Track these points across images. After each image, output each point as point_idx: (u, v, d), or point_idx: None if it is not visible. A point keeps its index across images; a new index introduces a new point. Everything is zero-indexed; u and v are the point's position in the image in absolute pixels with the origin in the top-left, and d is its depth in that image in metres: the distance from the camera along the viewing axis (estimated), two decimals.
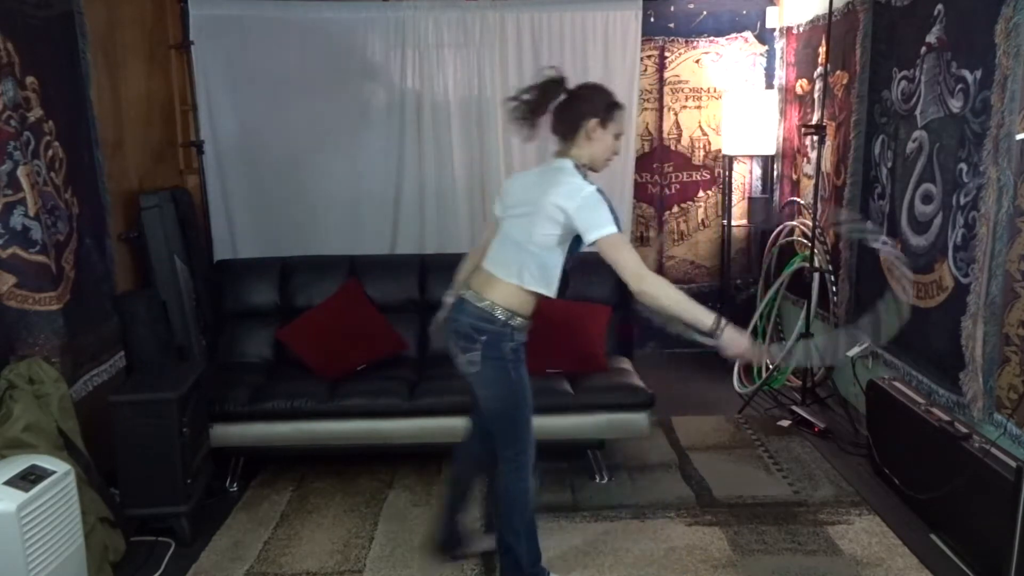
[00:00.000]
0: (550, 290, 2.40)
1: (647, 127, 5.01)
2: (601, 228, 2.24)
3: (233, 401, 3.33)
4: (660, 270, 5.18)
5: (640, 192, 5.02)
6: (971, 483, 2.69)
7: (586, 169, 2.42)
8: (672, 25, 4.91)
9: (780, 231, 4.80)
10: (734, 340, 2.24)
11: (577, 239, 2.35)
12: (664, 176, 5.09)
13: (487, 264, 2.47)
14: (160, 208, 3.74)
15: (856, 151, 3.87)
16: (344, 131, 4.58)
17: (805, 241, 4.35)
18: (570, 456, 3.65)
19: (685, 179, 5.11)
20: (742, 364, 2.32)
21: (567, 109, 2.41)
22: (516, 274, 2.38)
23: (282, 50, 4.45)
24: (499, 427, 2.54)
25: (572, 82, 4.55)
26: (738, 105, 4.77)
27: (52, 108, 3.01)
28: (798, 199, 4.65)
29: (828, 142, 4.22)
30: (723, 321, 2.23)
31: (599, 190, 2.31)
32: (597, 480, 3.46)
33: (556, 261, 2.38)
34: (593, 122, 2.38)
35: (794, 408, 4.12)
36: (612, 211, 2.29)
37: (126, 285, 3.62)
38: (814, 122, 4.21)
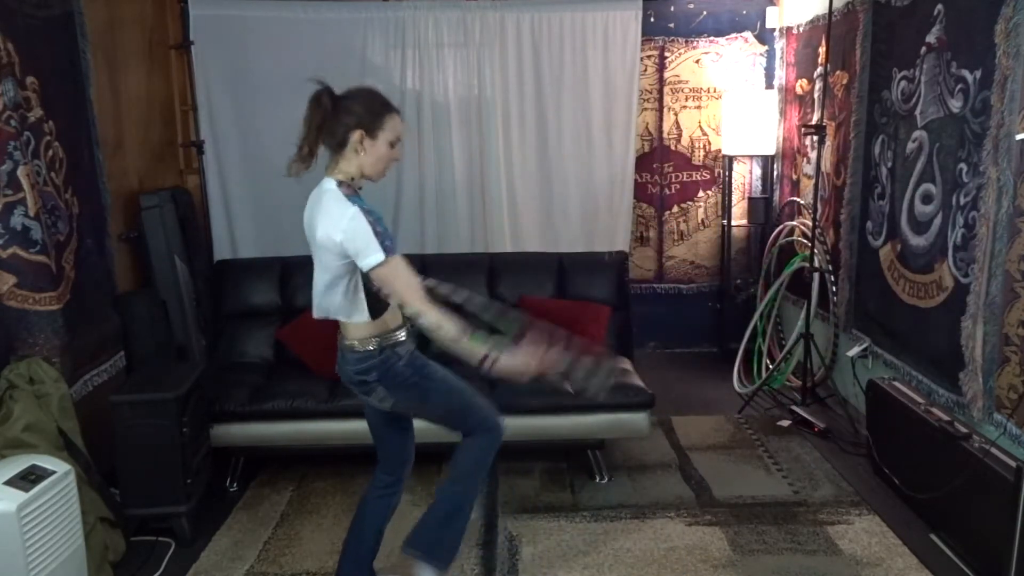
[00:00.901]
0: (363, 315, 2.23)
1: (647, 127, 5.01)
2: (369, 256, 2.08)
3: (233, 401, 3.33)
4: (660, 270, 5.19)
5: (640, 192, 5.02)
6: (971, 483, 2.69)
7: (361, 180, 2.25)
8: (672, 25, 4.91)
9: (780, 231, 4.81)
10: (509, 364, 2.13)
11: None
12: (664, 176, 5.09)
13: (324, 311, 2.32)
14: (160, 208, 3.74)
15: (856, 151, 3.87)
16: None
17: (805, 241, 4.36)
18: (570, 456, 3.65)
19: (685, 179, 5.11)
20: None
21: (332, 121, 2.20)
22: (347, 313, 2.25)
23: (282, 50, 4.45)
24: (456, 422, 2.44)
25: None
26: (738, 105, 4.77)
27: (52, 108, 3.01)
28: (798, 199, 4.65)
29: (828, 142, 4.22)
30: (489, 360, 2.11)
31: (364, 209, 2.12)
32: (597, 480, 3.46)
33: (354, 285, 2.21)
34: (358, 134, 2.18)
35: (794, 408, 4.12)
36: (382, 230, 2.11)
37: (126, 285, 3.63)
38: (814, 122, 4.21)
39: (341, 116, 2.20)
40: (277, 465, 3.61)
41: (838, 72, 4.11)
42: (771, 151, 4.90)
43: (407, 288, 2.12)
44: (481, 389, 2.61)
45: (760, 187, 5.10)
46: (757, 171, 5.10)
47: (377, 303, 2.24)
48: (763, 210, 5.03)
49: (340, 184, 2.20)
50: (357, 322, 2.26)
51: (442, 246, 4.65)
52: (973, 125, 2.87)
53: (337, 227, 2.12)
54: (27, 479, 2.36)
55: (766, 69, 4.96)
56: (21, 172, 2.75)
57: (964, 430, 2.81)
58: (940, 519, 2.95)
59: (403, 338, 2.31)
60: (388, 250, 2.10)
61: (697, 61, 4.95)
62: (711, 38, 4.93)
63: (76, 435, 2.78)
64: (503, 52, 4.57)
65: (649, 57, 4.92)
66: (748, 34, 4.93)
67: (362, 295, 2.23)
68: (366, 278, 2.18)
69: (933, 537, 2.95)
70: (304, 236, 4.68)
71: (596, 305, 3.84)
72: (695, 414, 4.21)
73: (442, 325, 2.10)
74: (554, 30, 4.58)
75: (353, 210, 2.12)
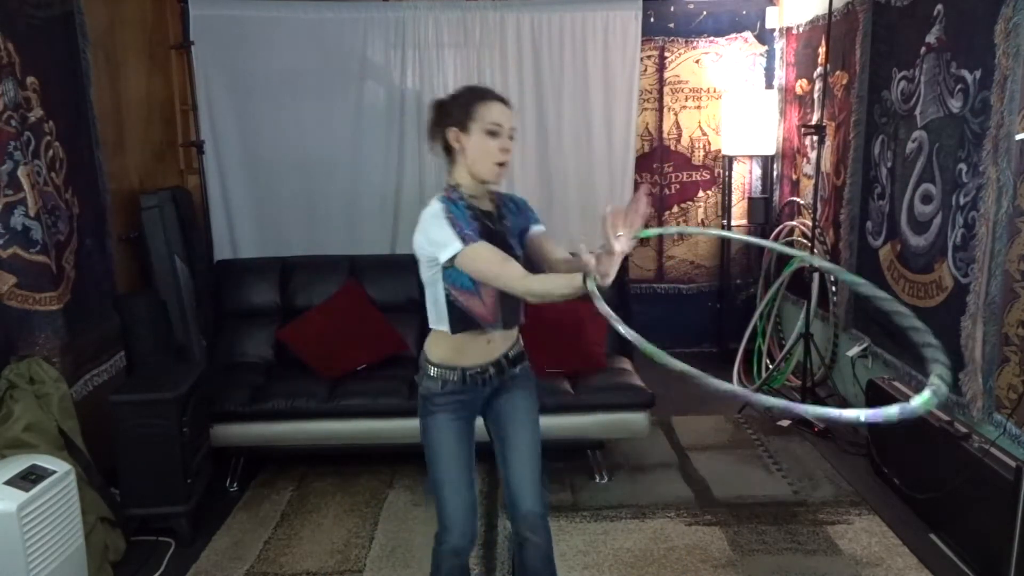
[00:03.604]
0: (443, 324, 2.09)
1: (647, 127, 5.01)
2: (448, 245, 1.93)
3: (233, 401, 3.34)
4: (660, 270, 5.19)
5: None
6: (971, 483, 2.69)
7: (479, 187, 2.07)
8: (672, 25, 4.91)
9: (780, 231, 4.81)
10: (603, 271, 1.68)
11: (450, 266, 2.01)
12: (664, 176, 5.09)
13: None
14: (160, 208, 3.74)
15: (856, 151, 3.87)
16: (344, 131, 4.58)
17: (805, 241, 4.36)
18: (570, 456, 3.65)
19: (685, 179, 5.11)
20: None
21: (432, 127, 2.07)
22: (430, 318, 2.15)
23: (282, 50, 4.45)
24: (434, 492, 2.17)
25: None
26: (738, 105, 4.77)
27: (52, 108, 3.01)
28: (798, 199, 4.65)
29: (828, 142, 4.22)
30: (587, 279, 1.72)
31: (446, 205, 2.00)
32: (597, 480, 3.46)
33: (439, 294, 2.06)
34: (452, 132, 2.02)
35: None
36: (460, 223, 1.97)
37: (126, 285, 3.62)
38: (814, 122, 4.21)
39: (438, 118, 2.06)
40: (277, 465, 3.61)
41: (838, 72, 4.11)
42: (771, 151, 4.90)
43: (497, 267, 1.91)
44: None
45: (760, 187, 5.10)
46: (757, 171, 5.10)
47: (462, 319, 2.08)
48: (763, 210, 5.02)
49: (442, 195, 2.04)
50: (431, 330, 2.15)
51: None
52: (973, 125, 2.87)
53: (419, 222, 2.01)
54: (27, 479, 2.36)
55: (766, 69, 4.96)
56: (21, 172, 2.75)
57: (964, 430, 2.81)
58: (940, 519, 2.95)
59: (432, 373, 2.13)
60: (467, 239, 1.93)
61: (697, 61, 4.95)
62: (711, 38, 4.93)
63: (76, 435, 2.78)
64: (503, 52, 4.57)
65: (649, 57, 4.92)
66: (748, 34, 4.93)
67: (444, 305, 2.08)
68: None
69: (933, 537, 2.96)
70: (304, 235, 4.68)
71: None
72: (695, 414, 4.21)
73: (549, 282, 1.90)
74: (554, 30, 4.58)
75: (437, 205, 2.00)
